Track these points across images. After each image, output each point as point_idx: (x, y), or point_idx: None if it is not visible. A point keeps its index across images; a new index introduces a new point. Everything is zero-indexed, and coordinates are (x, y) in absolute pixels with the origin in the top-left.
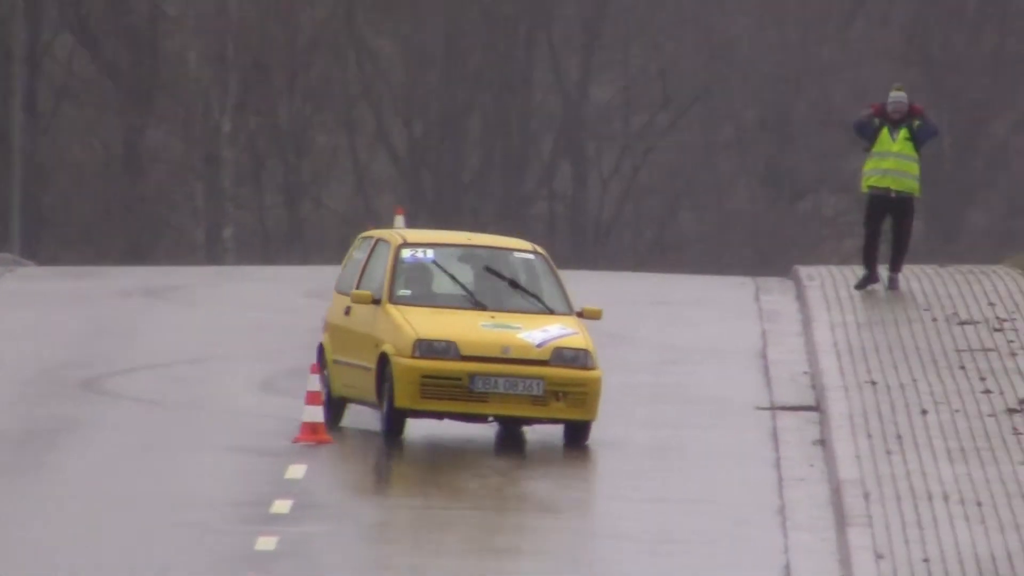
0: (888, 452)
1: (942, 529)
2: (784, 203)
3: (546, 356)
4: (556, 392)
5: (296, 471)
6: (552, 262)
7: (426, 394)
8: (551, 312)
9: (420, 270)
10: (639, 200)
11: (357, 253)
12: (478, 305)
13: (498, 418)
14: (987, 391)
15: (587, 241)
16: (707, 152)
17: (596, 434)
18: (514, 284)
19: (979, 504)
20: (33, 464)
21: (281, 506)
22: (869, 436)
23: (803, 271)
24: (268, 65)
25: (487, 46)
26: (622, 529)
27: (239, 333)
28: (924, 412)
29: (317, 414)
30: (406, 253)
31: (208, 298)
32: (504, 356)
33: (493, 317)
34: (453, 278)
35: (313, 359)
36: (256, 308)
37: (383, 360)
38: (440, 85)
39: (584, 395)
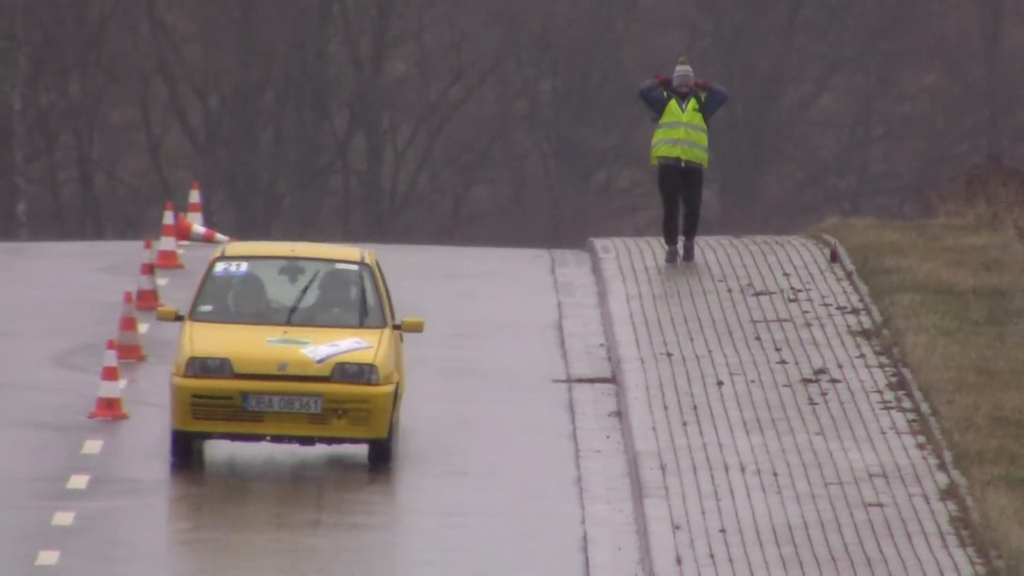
0: (684, 423)
1: (739, 499)
2: (579, 176)
3: (326, 372)
4: (336, 409)
5: (92, 446)
6: (380, 271)
7: (198, 415)
8: (359, 326)
9: (231, 285)
10: (434, 173)
11: None
12: (278, 320)
13: (276, 438)
14: (782, 362)
15: (383, 214)
16: (502, 125)
17: None
18: (324, 298)
19: (775, 474)
20: None
21: (78, 481)
22: (665, 408)
23: (598, 243)
24: (59, 40)
25: (281, 19)
26: (420, 504)
27: (34, 309)
28: (720, 383)
29: (113, 389)
30: (219, 267)
31: (1, 274)
32: (281, 373)
33: (286, 332)
34: (261, 292)
35: (109, 335)
36: (51, 284)
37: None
38: (234, 59)
39: (367, 412)
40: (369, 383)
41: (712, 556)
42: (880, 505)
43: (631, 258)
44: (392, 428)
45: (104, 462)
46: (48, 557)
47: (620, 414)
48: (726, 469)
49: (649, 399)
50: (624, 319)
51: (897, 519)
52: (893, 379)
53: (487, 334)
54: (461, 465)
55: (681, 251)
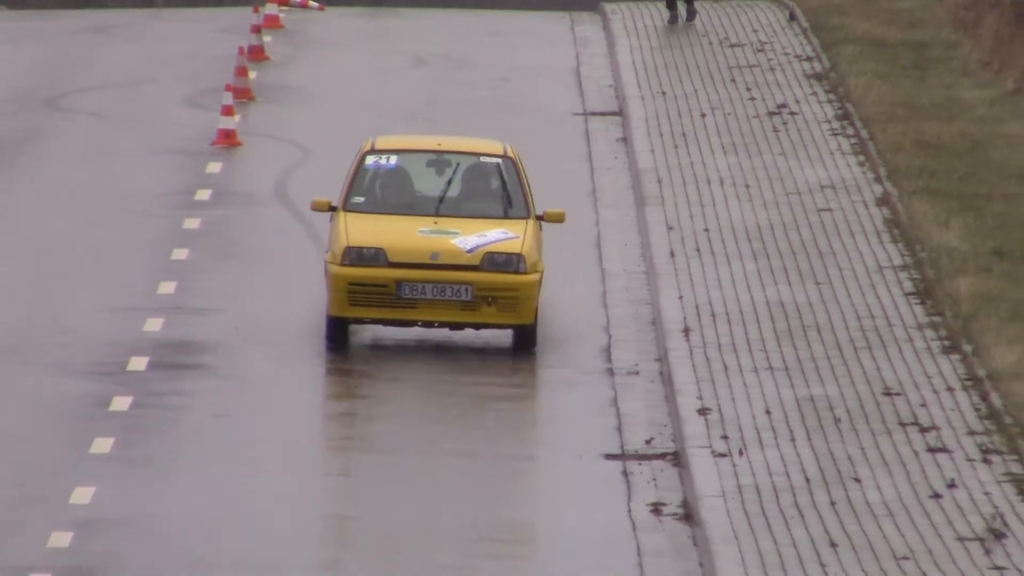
0: (676, 147)
1: (718, 207)
2: None
3: (476, 261)
4: (486, 297)
5: (214, 167)
6: (521, 164)
7: (354, 301)
8: (504, 217)
9: (380, 176)
10: None
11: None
12: (428, 211)
13: (426, 324)
14: (752, 98)
15: None
16: None
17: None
18: (470, 190)
19: (747, 186)
20: (7, 165)
21: (203, 194)
22: (661, 135)
23: (608, 7)
24: None
25: None
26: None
27: (169, 62)
28: (703, 115)
29: (230, 123)
30: (369, 160)
31: (144, 34)
32: (433, 262)
33: (436, 223)
34: (410, 184)
35: (226, 81)
36: (181, 41)
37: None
38: None
39: (515, 300)
40: (517, 272)
41: (698, 250)
42: (829, 210)
43: (634, 19)
44: (536, 314)
45: (223, 179)
46: (179, 253)
47: (625, 140)
48: (708, 182)
49: (648, 128)
50: (628, 65)
51: (843, 221)
52: (839, 112)
53: (524, 78)
54: None
55: (684, 13)
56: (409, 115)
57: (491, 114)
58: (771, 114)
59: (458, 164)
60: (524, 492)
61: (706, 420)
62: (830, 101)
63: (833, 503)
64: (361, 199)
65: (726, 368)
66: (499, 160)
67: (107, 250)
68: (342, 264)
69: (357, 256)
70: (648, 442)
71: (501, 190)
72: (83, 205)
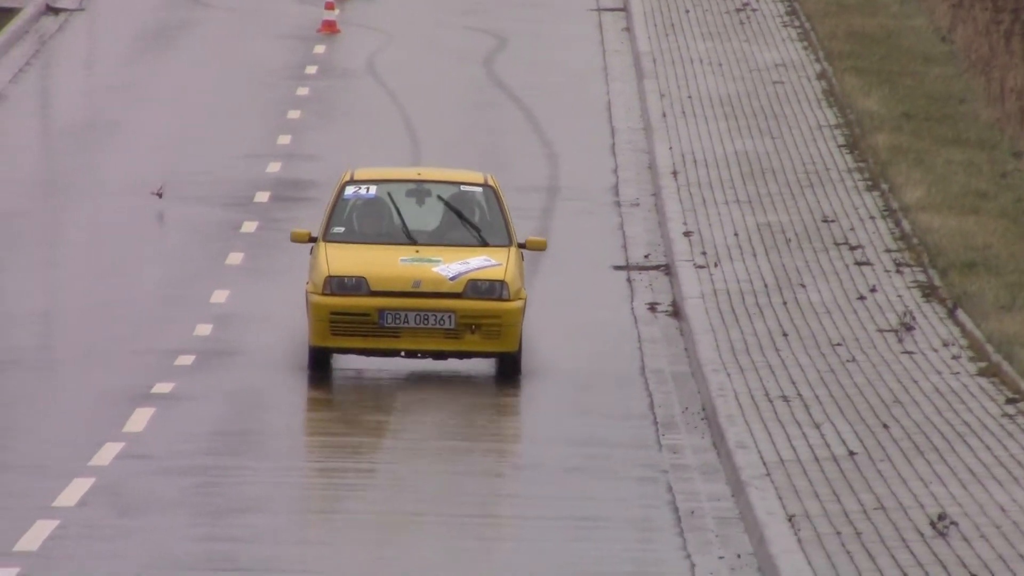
0: (667, 35)
1: (699, 80)
2: None
3: (459, 289)
4: (469, 325)
5: (319, 48)
6: (500, 193)
7: (336, 331)
8: (486, 244)
9: (360, 207)
10: None
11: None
12: (408, 240)
13: (410, 353)
14: (727, 2)
15: None
16: None
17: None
18: (457, 217)
19: (720, 64)
20: (164, 47)
21: (311, 70)
22: (655, 26)
23: None
24: None
25: None
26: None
27: (262, 12)
28: (687, 11)
29: (332, 15)
30: (349, 190)
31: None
32: (415, 290)
33: (418, 251)
34: (389, 214)
35: None
36: None
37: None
38: None
39: (499, 327)
40: (500, 299)
41: (683, 112)
42: (781, 82)
43: None
44: (521, 342)
45: (326, 58)
46: (293, 114)
47: (628, 30)
48: (691, 61)
49: (646, 21)
50: None
51: (791, 91)
52: (788, 9)
53: None
54: (531, 52)
55: None
56: (464, 10)
57: (521, 10)
58: (738, 10)
59: (439, 194)
60: (552, 293)
61: (689, 240)
62: (782, 2)
63: (784, 303)
64: (341, 229)
65: (704, 201)
66: (480, 188)
67: (239, 111)
68: (323, 293)
69: (338, 285)
70: (646, 257)
71: (483, 218)
72: (219, 78)
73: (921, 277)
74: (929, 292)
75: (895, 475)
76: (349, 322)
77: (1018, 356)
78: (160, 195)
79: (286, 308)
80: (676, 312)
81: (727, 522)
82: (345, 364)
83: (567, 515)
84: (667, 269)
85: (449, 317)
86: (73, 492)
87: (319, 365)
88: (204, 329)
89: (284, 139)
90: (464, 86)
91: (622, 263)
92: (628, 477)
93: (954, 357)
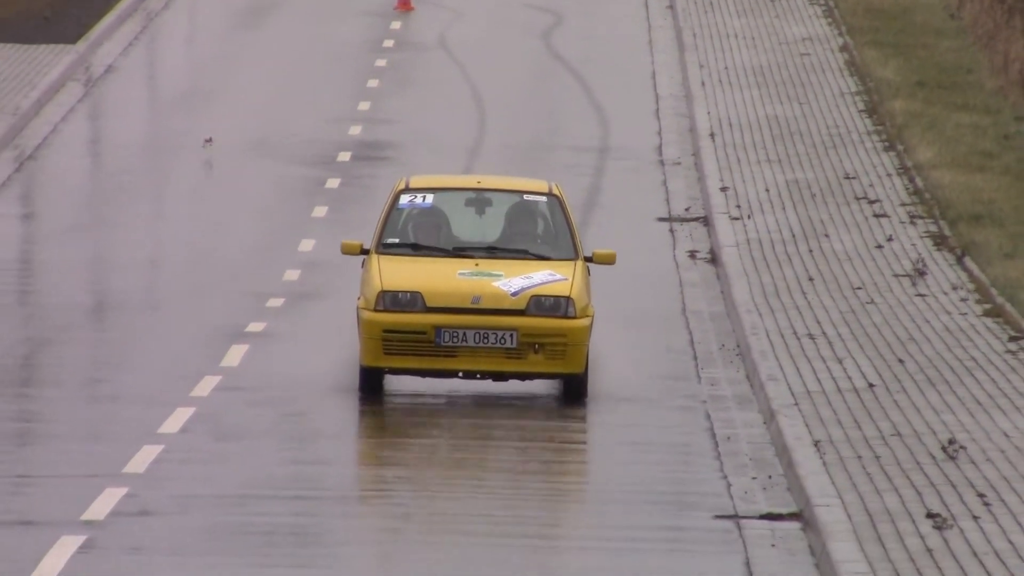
0: (705, 12)
1: (734, 53)
2: None
3: (521, 305)
4: (532, 344)
5: (396, 25)
6: (566, 203)
7: (389, 350)
8: (550, 258)
9: (416, 216)
10: None
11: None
12: (467, 252)
13: (468, 374)
14: None
15: None
16: None
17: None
18: (513, 230)
19: (753, 39)
20: (256, 26)
21: (388, 43)
22: (696, 3)
23: None
24: None
25: None
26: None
27: None
28: None
29: None
30: (404, 199)
31: None
32: (474, 307)
33: (477, 264)
34: (447, 224)
35: None
36: None
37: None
38: None
39: (564, 346)
40: (566, 316)
41: (720, 81)
42: (808, 54)
43: None
44: (587, 362)
45: (402, 33)
46: (373, 83)
47: (671, 7)
48: (727, 36)
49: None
50: None
51: (817, 62)
52: None
53: None
54: (585, 28)
55: None
56: None
57: None
58: None
59: (500, 203)
60: (603, 243)
61: (725, 195)
62: None
63: (810, 251)
64: (395, 240)
65: (739, 160)
66: (544, 198)
67: (324, 80)
68: (376, 310)
69: (392, 301)
70: (687, 210)
71: (547, 230)
72: (306, 51)
73: (932, 228)
74: (939, 241)
75: (910, 405)
76: (403, 341)
77: (1020, 298)
78: (209, 142)
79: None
80: (713, 259)
81: (759, 447)
82: (398, 386)
83: (617, 440)
84: (705, 221)
85: (511, 336)
86: (176, 420)
87: (371, 387)
88: (292, 275)
89: (364, 105)
90: (525, 58)
91: (665, 215)
92: (671, 407)
93: (962, 299)
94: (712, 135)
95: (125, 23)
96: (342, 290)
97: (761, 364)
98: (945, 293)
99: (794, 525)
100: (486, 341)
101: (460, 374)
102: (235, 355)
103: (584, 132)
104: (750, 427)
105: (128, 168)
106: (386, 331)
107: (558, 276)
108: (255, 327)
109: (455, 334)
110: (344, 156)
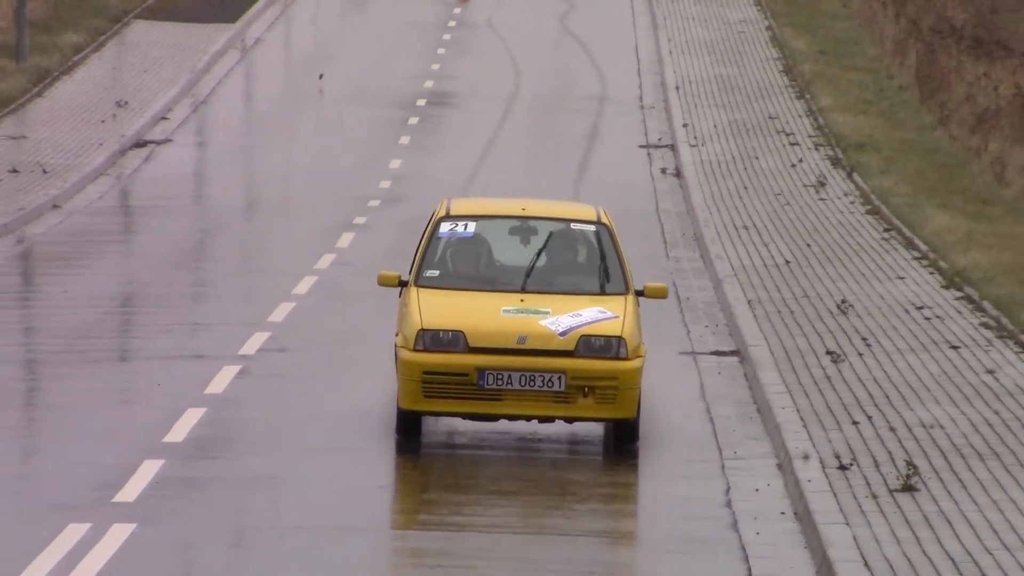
0: (672, 1)
1: (692, 30)
2: None
3: (570, 346)
4: (582, 387)
5: (457, 10)
6: (615, 232)
7: (429, 393)
8: (600, 292)
9: (456, 246)
10: None
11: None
12: (512, 286)
13: (513, 418)
14: None
15: None
16: None
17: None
18: (559, 262)
19: (705, 20)
20: (356, 9)
21: (452, 23)
22: None
23: None
24: None
25: None
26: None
27: None
28: None
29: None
30: (444, 228)
31: None
32: (520, 347)
33: (523, 300)
34: (490, 255)
35: None
36: None
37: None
38: None
39: (616, 389)
40: (618, 357)
41: (683, 52)
42: (743, 32)
43: None
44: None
45: (462, 16)
46: (440, 51)
47: None
48: (687, 19)
49: None
50: None
51: (750, 37)
52: None
53: None
54: (590, 12)
55: None
56: None
57: None
58: None
59: (546, 232)
60: (602, 163)
61: (686, 130)
62: None
63: (745, 169)
64: (435, 273)
65: (696, 105)
66: (592, 227)
67: (406, 48)
68: (415, 350)
69: (432, 340)
70: (659, 140)
71: (597, 262)
72: (394, 27)
73: (830, 153)
74: (835, 162)
75: (814, 275)
76: (444, 383)
77: (891, 202)
78: (321, 77)
79: (438, 172)
80: (678, 173)
81: (710, 305)
82: (435, 425)
83: None
84: (672, 147)
85: (559, 379)
86: (304, 285)
87: (408, 429)
88: (385, 184)
89: (435, 66)
90: (547, 33)
91: (644, 143)
92: (648, 276)
93: (851, 203)
94: (677, 88)
95: (270, 8)
96: (421, 195)
97: (711, 247)
98: (839, 198)
99: (734, 359)
100: (532, 384)
101: (504, 417)
102: (345, 240)
103: (588, 86)
104: (703, 291)
105: (270, 111)
106: (426, 372)
107: (609, 314)
108: (359, 220)
109: (499, 376)
110: (421, 102)
